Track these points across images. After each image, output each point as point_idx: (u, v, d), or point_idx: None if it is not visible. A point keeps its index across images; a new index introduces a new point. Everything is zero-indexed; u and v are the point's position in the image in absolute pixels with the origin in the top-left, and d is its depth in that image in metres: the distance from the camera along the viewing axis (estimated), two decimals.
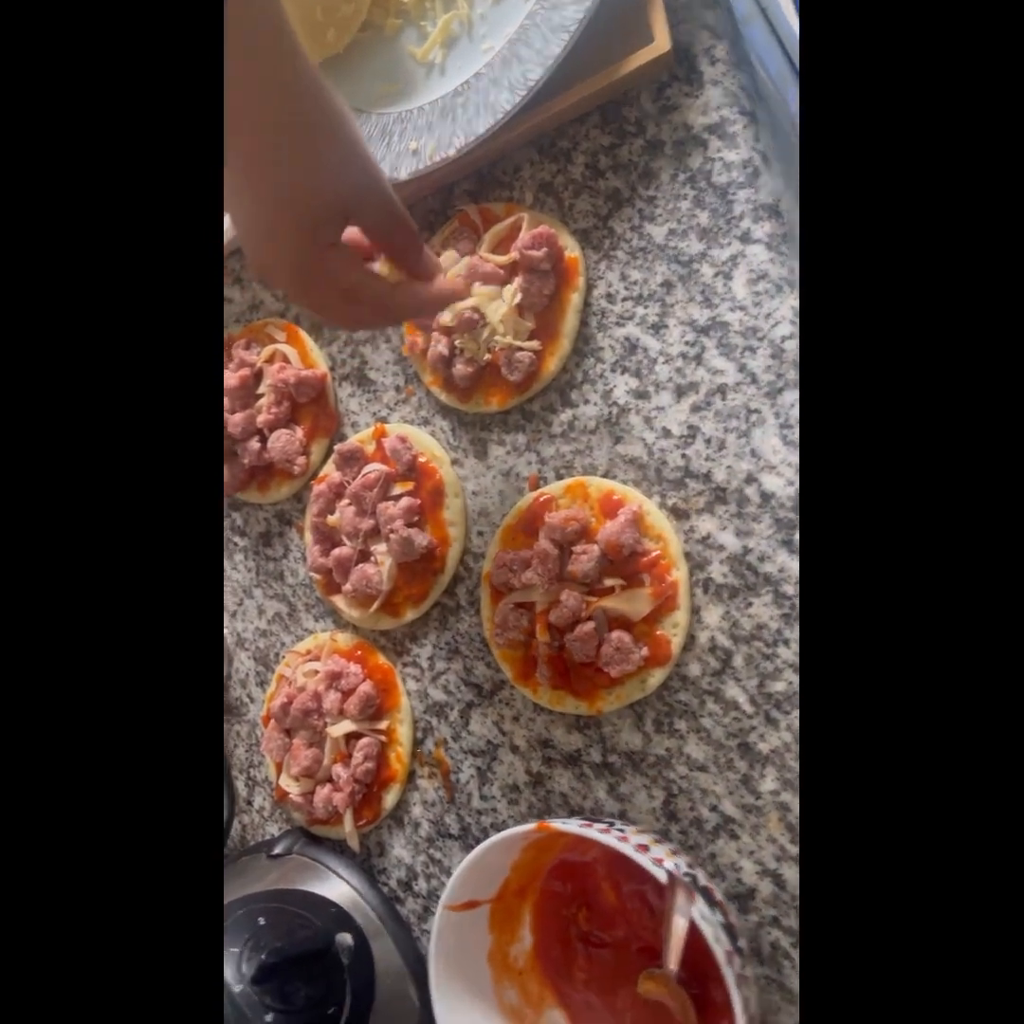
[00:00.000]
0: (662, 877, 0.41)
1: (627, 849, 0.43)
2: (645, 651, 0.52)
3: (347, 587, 0.63)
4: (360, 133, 0.43)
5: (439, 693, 0.62)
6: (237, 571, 0.74)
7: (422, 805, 0.62)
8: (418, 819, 0.62)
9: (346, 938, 0.57)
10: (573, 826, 0.45)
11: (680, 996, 0.47)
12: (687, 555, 0.52)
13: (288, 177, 0.40)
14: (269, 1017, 0.51)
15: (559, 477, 0.57)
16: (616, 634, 0.52)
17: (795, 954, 0.48)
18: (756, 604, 0.50)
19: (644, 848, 0.43)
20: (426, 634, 0.63)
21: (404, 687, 0.63)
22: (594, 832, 0.44)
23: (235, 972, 0.52)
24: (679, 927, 0.41)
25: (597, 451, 0.56)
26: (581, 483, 0.55)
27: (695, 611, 0.52)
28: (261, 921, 0.56)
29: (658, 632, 0.52)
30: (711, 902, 0.43)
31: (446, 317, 0.59)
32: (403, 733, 0.62)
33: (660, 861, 0.43)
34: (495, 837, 0.47)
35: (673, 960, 0.43)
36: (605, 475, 0.55)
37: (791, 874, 0.48)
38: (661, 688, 0.52)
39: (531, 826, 0.46)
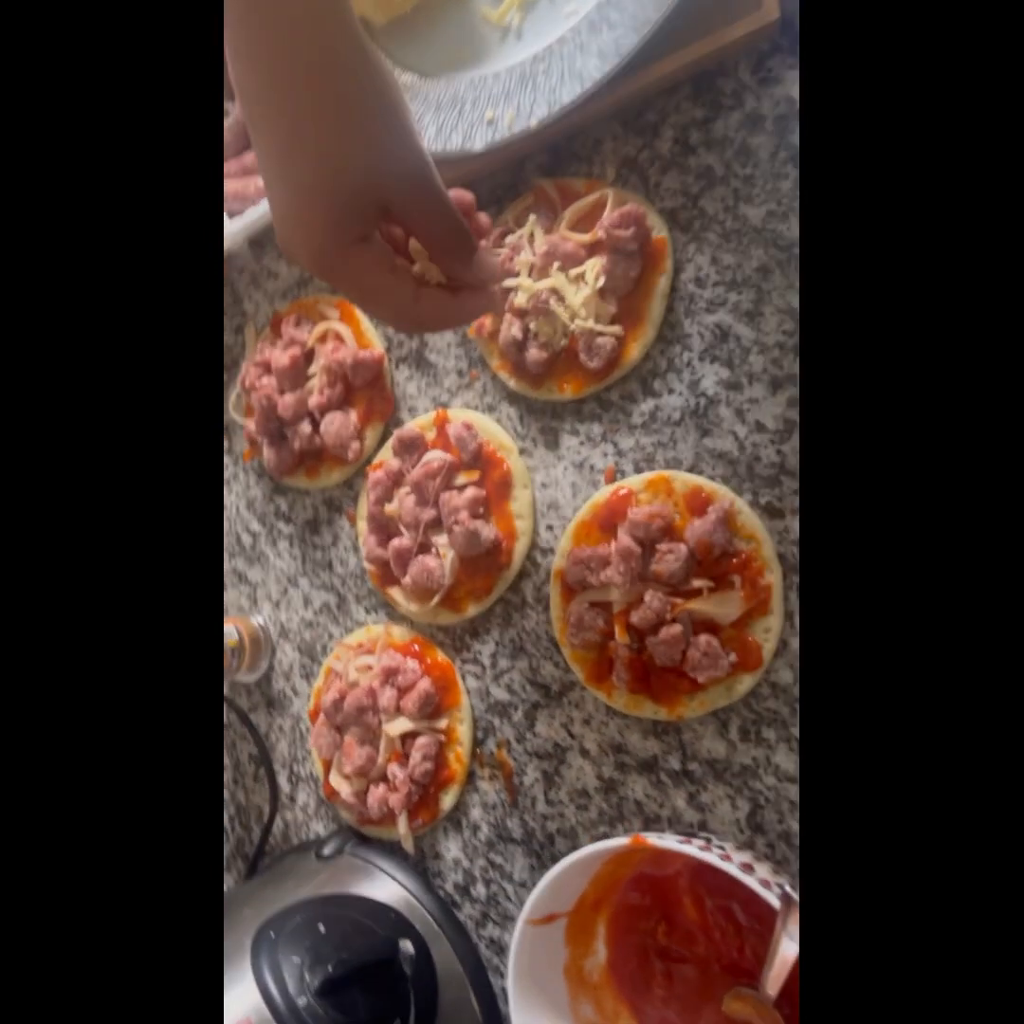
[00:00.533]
0: (774, 901, 0.39)
1: (732, 869, 0.40)
2: (734, 657, 0.49)
3: (406, 580, 0.60)
4: (408, 114, 0.37)
5: (502, 692, 0.59)
6: (281, 559, 0.71)
7: (482, 807, 0.60)
8: (477, 822, 0.60)
9: (408, 946, 0.55)
10: (671, 842, 0.42)
11: (772, 1017, 0.45)
12: (781, 557, 0.49)
13: (317, 158, 0.35)
14: None
15: (638, 471, 0.54)
16: (704, 638, 0.49)
17: None
18: None
19: (748, 868, 0.41)
20: (489, 630, 0.60)
21: (464, 685, 0.61)
22: (693, 849, 0.42)
23: (298, 984, 0.50)
24: (789, 952, 0.39)
25: (681, 444, 0.53)
26: (665, 477, 0.52)
27: (788, 615, 0.49)
28: (321, 928, 0.54)
29: (749, 637, 0.49)
30: None
31: (521, 299, 0.55)
32: (463, 732, 0.60)
33: (767, 883, 0.40)
34: (583, 851, 0.45)
35: (773, 986, 0.41)
36: (690, 470, 0.52)
37: None
38: (749, 695, 0.50)
39: (625, 840, 0.43)
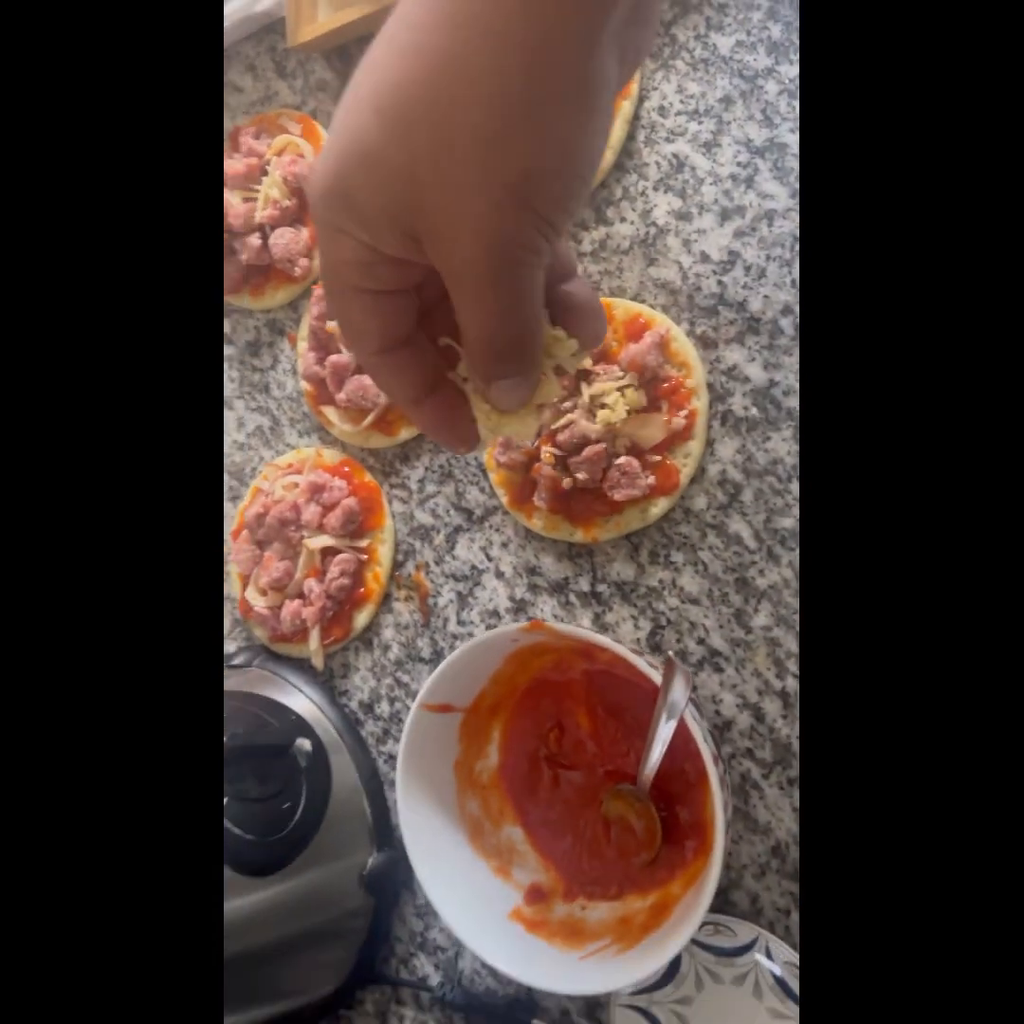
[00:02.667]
0: (657, 678, 0.40)
1: (622, 649, 0.42)
2: (652, 479, 0.50)
3: (341, 396, 0.60)
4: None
5: (426, 516, 0.60)
6: None
7: (395, 628, 0.60)
8: (388, 642, 0.61)
9: (305, 743, 0.56)
10: (568, 626, 0.44)
11: (647, 812, 0.47)
12: (709, 385, 0.50)
13: (537, 148, 0.24)
14: (225, 801, 0.49)
15: None
16: (624, 458, 0.50)
17: (765, 786, 0.48)
18: (774, 439, 0.48)
19: (638, 652, 0.42)
20: (419, 456, 0.60)
21: (389, 508, 0.61)
22: (587, 632, 0.43)
23: None
24: (673, 711, 0.40)
25: (627, 273, 0.53)
26: (607, 304, 0.52)
27: (709, 443, 0.50)
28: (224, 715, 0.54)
29: (668, 461, 0.50)
30: (697, 712, 0.43)
31: None
32: (383, 553, 0.60)
33: (653, 664, 0.42)
34: (482, 636, 0.46)
35: (657, 753, 0.42)
36: (634, 298, 0.53)
37: (771, 707, 0.48)
38: (662, 519, 0.51)
39: (522, 623, 0.44)
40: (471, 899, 0.47)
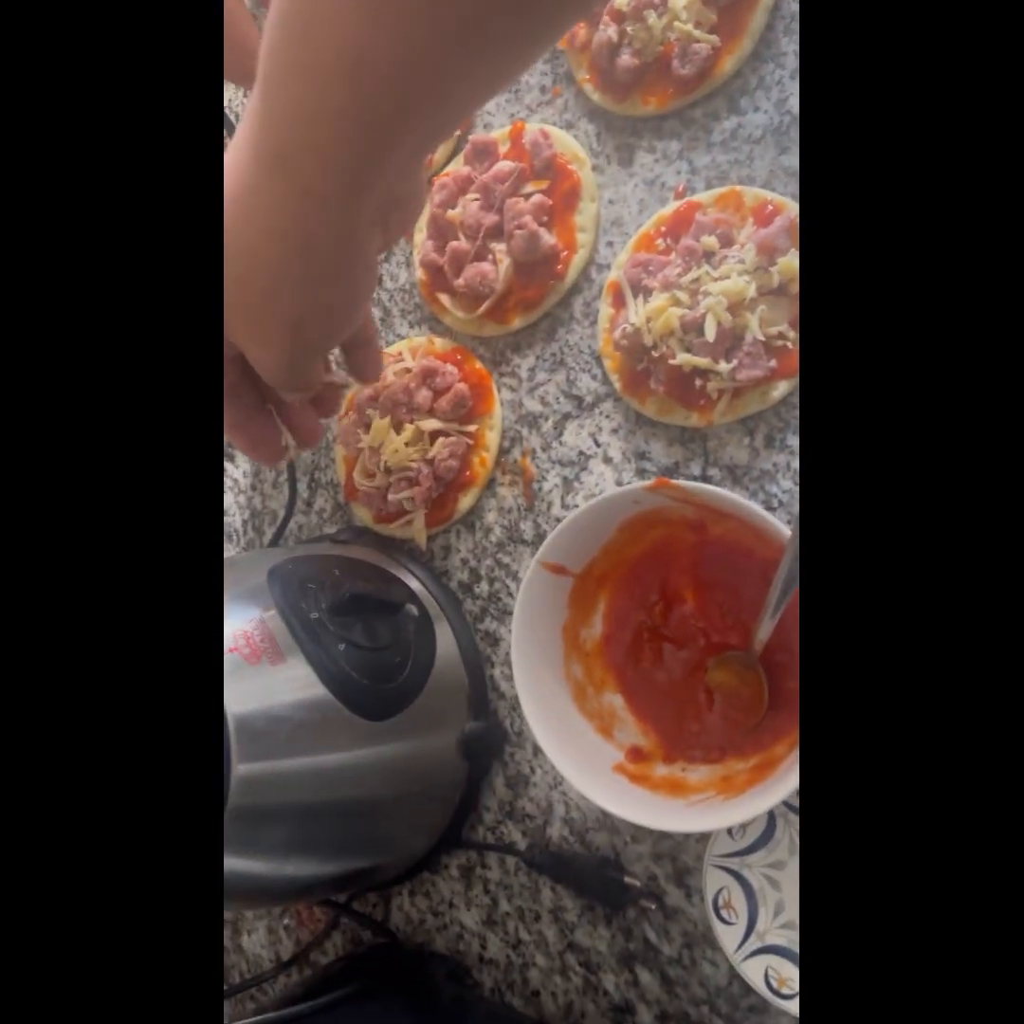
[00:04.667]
0: (785, 531, 0.41)
1: (752, 506, 0.43)
2: (774, 362, 0.51)
3: (459, 282, 0.61)
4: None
5: (535, 404, 0.61)
6: None
7: (498, 511, 0.62)
8: (491, 525, 0.63)
9: (413, 609, 0.58)
10: (694, 484, 0.45)
11: (755, 678, 0.49)
12: None
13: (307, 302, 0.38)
14: (342, 646, 0.52)
15: (710, 187, 0.55)
16: (750, 338, 0.51)
17: None
18: None
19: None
20: (531, 346, 0.62)
21: (499, 396, 0.63)
22: (714, 490, 0.44)
23: (312, 602, 0.52)
24: (789, 575, 0.42)
25: (758, 162, 0.54)
26: (736, 191, 0.53)
27: None
28: (337, 571, 0.56)
29: (790, 345, 0.51)
30: None
31: (621, 0, 0.55)
32: (491, 439, 0.62)
33: (784, 520, 0.43)
34: (606, 494, 0.47)
35: (775, 613, 0.43)
36: (763, 187, 0.53)
37: None
38: (781, 403, 0.52)
39: (647, 482, 0.46)
40: (575, 751, 0.49)
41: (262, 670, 0.49)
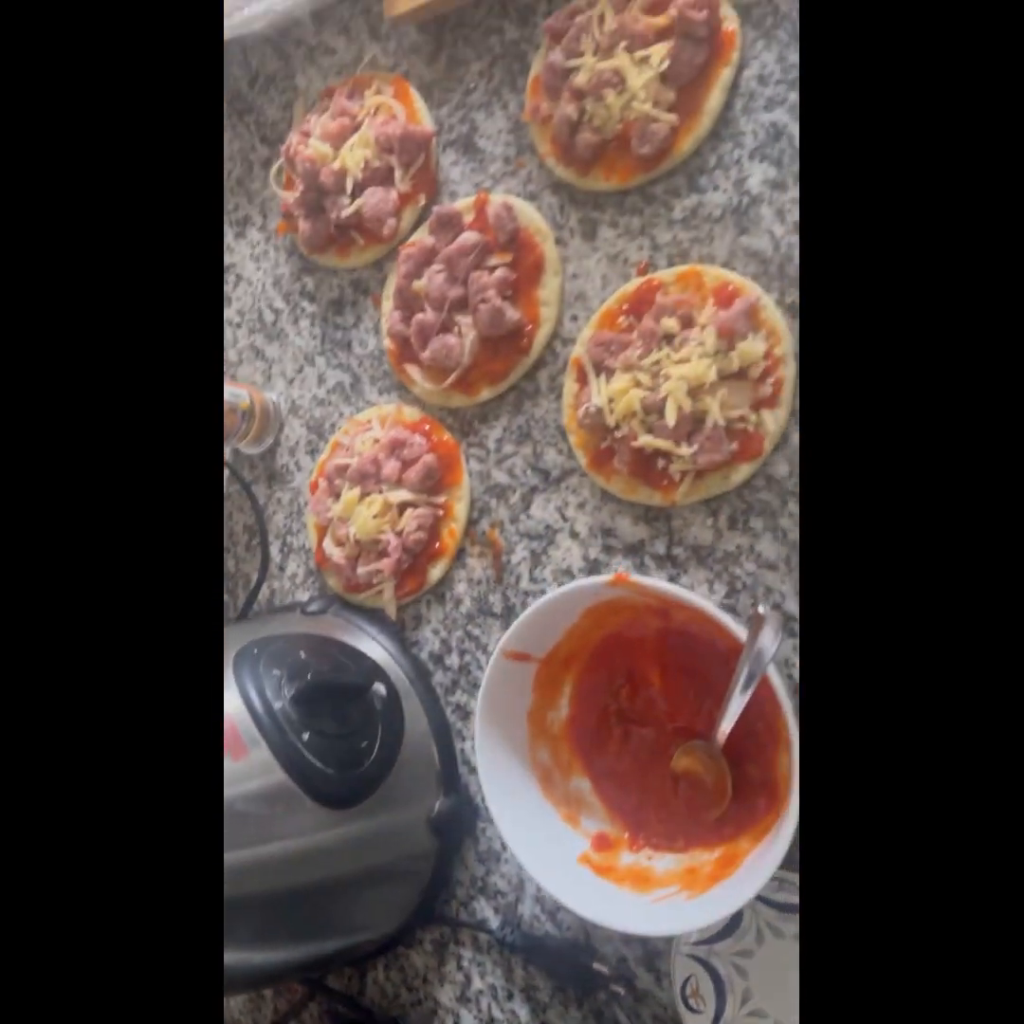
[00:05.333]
0: (741, 634, 0.41)
1: (708, 604, 0.43)
2: (735, 445, 0.51)
3: (425, 355, 0.61)
4: None
5: (503, 475, 0.61)
6: (300, 337, 0.72)
7: (467, 583, 0.62)
8: (461, 596, 0.62)
9: (380, 688, 0.58)
10: (651, 579, 0.45)
11: (718, 768, 0.48)
12: (797, 355, 0.51)
13: None
14: (306, 735, 0.51)
15: (672, 265, 0.55)
16: (710, 423, 0.51)
17: None
18: None
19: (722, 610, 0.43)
20: (498, 416, 0.62)
21: (467, 467, 0.63)
22: (671, 587, 0.44)
23: (275, 691, 0.52)
24: (760, 661, 0.41)
25: (718, 241, 0.54)
26: (696, 271, 0.53)
27: (795, 412, 0.51)
28: (302, 654, 0.56)
29: (752, 428, 0.51)
30: (779, 668, 0.44)
31: (581, 78, 0.55)
32: (460, 511, 0.62)
33: (737, 620, 0.43)
34: (567, 586, 0.47)
35: (736, 706, 0.43)
36: (723, 266, 0.53)
37: None
38: (743, 485, 0.52)
39: (607, 577, 0.46)
40: (541, 841, 0.49)
41: (225, 765, 0.49)
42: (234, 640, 0.59)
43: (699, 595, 0.52)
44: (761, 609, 0.40)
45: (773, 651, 0.40)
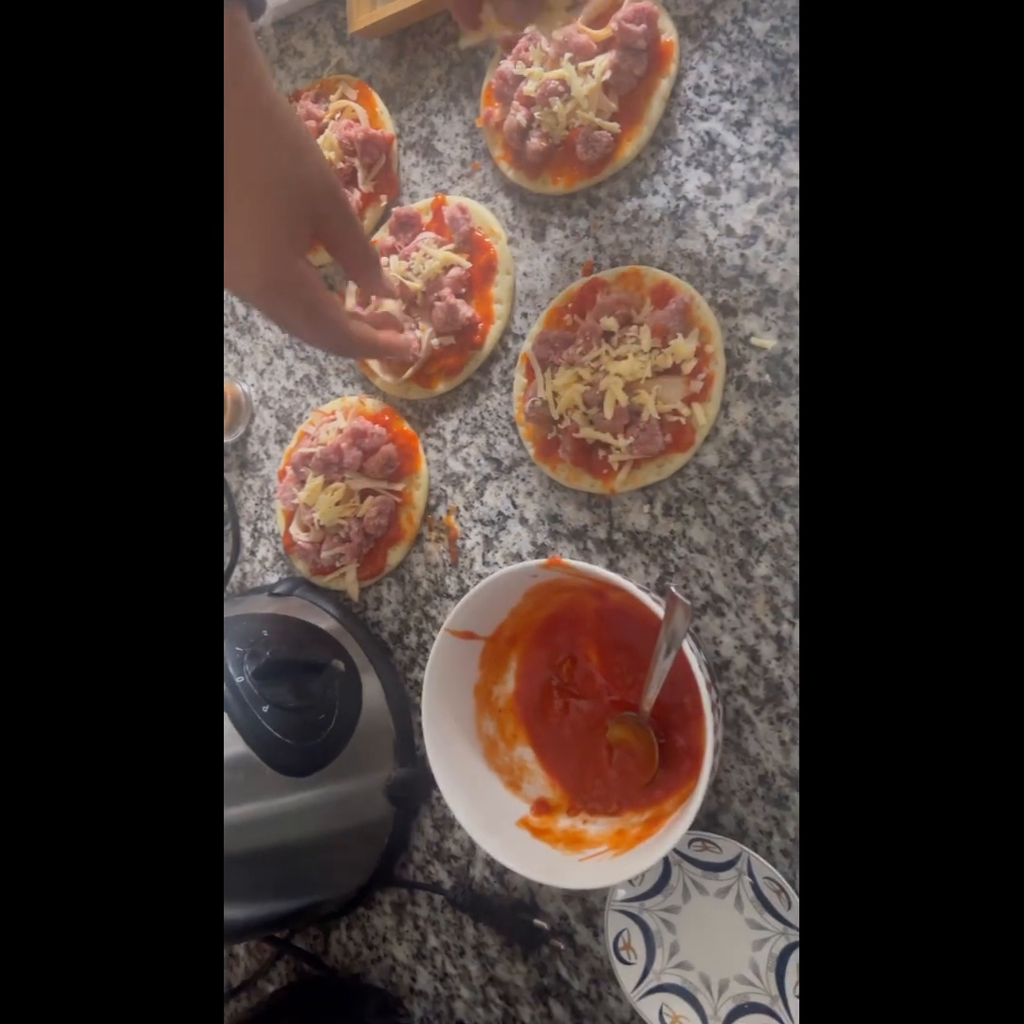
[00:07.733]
0: (659, 611, 0.45)
1: (630, 585, 0.46)
2: (668, 437, 0.54)
3: None
4: (314, 139, 0.46)
5: (458, 465, 0.64)
6: (270, 331, 0.75)
7: (425, 566, 0.65)
8: (419, 579, 0.66)
9: (339, 664, 0.61)
10: (583, 563, 0.48)
11: (647, 738, 0.52)
12: (727, 351, 0.54)
13: (260, 178, 0.42)
14: (265, 708, 0.55)
15: (614, 265, 0.58)
16: (645, 416, 0.54)
17: (757, 721, 0.52)
18: (784, 404, 0.52)
19: (644, 590, 0.47)
20: (454, 408, 0.65)
21: (425, 456, 0.66)
22: (598, 570, 0.47)
23: (237, 666, 0.56)
24: (674, 640, 0.45)
25: (657, 243, 0.57)
26: (636, 271, 0.56)
27: (724, 405, 0.54)
28: (265, 632, 0.60)
29: (684, 421, 0.54)
30: (695, 644, 0.47)
31: (530, 87, 0.58)
32: (418, 497, 0.65)
33: (658, 601, 0.46)
34: (505, 569, 0.50)
35: (657, 681, 0.47)
36: (661, 267, 0.56)
37: (766, 649, 0.52)
38: (676, 474, 0.55)
39: (542, 560, 0.49)
40: (484, 807, 0.52)
41: None
42: None
43: (627, 577, 0.55)
44: (672, 588, 0.43)
45: (685, 627, 0.43)
